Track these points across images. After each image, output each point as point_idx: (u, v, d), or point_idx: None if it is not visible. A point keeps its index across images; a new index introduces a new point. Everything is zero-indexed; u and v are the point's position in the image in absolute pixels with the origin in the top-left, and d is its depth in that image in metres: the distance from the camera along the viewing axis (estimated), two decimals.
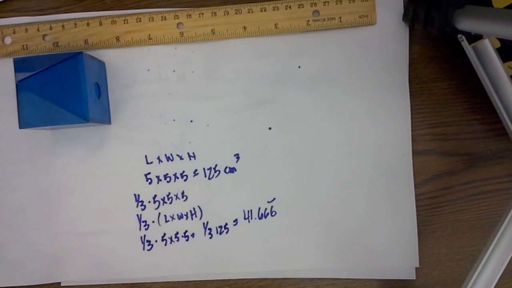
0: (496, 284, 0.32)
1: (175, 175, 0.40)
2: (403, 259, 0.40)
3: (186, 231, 0.40)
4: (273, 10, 0.39)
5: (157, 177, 0.40)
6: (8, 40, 0.40)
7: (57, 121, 0.36)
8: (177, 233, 0.40)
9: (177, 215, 0.40)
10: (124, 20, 0.40)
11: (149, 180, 0.40)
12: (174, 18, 0.40)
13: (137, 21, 0.40)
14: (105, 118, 0.40)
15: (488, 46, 0.34)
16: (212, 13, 0.40)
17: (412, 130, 0.40)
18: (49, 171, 0.41)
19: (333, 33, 0.40)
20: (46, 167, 0.41)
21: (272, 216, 0.40)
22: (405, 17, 0.38)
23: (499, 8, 0.36)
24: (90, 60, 0.38)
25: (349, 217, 0.40)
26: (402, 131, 0.40)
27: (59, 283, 0.41)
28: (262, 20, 0.39)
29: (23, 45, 0.40)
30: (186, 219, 0.40)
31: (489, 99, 0.35)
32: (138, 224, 0.41)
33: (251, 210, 0.40)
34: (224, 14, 0.40)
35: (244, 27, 0.40)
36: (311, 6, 0.39)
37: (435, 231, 0.40)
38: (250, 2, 0.40)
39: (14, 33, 0.40)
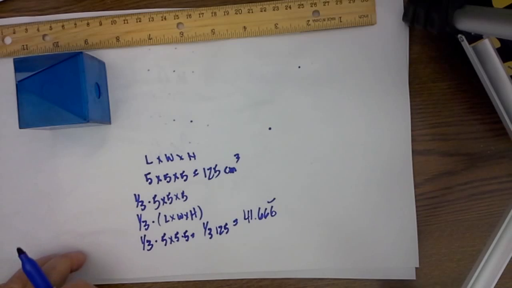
0: (496, 284, 0.32)
1: (175, 175, 0.40)
2: (403, 259, 0.40)
3: (186, 231, 0.40)
4: (273, 10, 0.39)
5: (157, 177, 0.40)
6: (8, 40, 0.40)
7: (57, 121, 0.36)
8: (177, 233, 0.40)
9: (177, 215, 0.40)
10: (124, 20, 0.40)
11: (149, 180, 0.40)
12: (174, 18, 0.40)
13: (137, 21, 0.40)
14: (105, 118, 0.40)
15: (488, 46, 0.34)
16: (212, 13, 0.40)
17: (412, 130, 0.40)
18: (49, 171, 0.41)
19: (333, 33, 0.40)
20: (46, 167, 0.41)
21: (272, 216, 0.40)
22: (405, 17, 0.38)
23: (499, 8, 0.36)
24: (90, 60, 0.38)
25: (349, 217, 0.40)
26: (402, 131, 0.40)
27: None
28: (262, 20, 0.39)
29: (23, 45, 0.40)
30: (186, 219, 0.40)
31: (489, 99, 0.35)
32: (138, 224, 0.41)
33: (251, 210, 0.40)
34: (224, 14, 0.40)
35: (244, 27, 0.40)
36: (311, 6, 0.39)
37: (435, 231, 0.40)
38: (250, 2, 0.40)
39: (14, 33, 0.40)
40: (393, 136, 0.40)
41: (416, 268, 0.40)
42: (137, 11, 0.40)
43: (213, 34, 0.40)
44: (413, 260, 0.40)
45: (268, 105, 0.40)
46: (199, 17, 0.40)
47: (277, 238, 0.40)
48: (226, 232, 0.40)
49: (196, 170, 0.40)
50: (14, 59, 0.36)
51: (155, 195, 0.40)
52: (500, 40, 0.37)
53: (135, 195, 0.41)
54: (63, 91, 0.36)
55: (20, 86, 0.36)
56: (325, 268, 0.40)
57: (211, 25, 0.40)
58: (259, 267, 0.40)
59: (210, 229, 0.40)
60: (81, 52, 0.36)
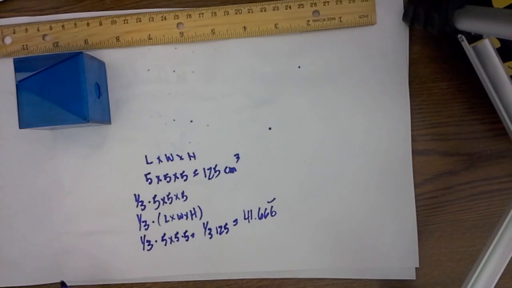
0: (496, 284, 0.32)
1: (175, 175, 0.40)
2: (403, 259, 0.40)
3: (186, 231, 0.40)
4: (273, 10, 0.39)
5: (157, 177, 0.40)
6: (8, 40, 0.40)
7: (57, 121, 0.36)
8: (177, 233, 0.40)
9: (177, 215, 0.40)
10: (124, 20, 0.40)
11: (149, 180, 0.41)
12: (174, 18, 0.40)
13: (137, 21, 0.40)
14: (105, 118, 0.40)
15: (488, 46, 0.34)
16: (212, 13, 0.40)
17: (412, 130, 0.40)
18: (49, 171, 0.41)
19: (333, 33, 0.40)
20: (46, 167, 0.41)
21: (272, 216, 0.40)
22: (405, 17, 0.38)
23: (499, 8, 0.36)
24: (90, 60, 0.38)
25: (349, 217, 0.40)
26: (402, 131, 0.40)
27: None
28: (262, 20, 0.39)
29: (23, 45, 0.40)
30: (186, 219, 0.40)
31: (489, 99, 0.35)
32: (138, 224, 0.41)
33: (251, 210, 0.40)
34: (224, 14, 0.40)
35: (244, 27, 0.40)
36: (311, 6, 0.39)
37: (435, 231, 0.40)
38: (250, 2, 0.40)
39: (14, 33, 0.40)
40: (393, 136, 0.40)
41: (416, 268, 0.40)
42: (137, 11, 0.40)
43: (213, 34, 0.40)
44: (413, 260, 0.40)
45: (268, 105, 0.40)
46: (199, 17, 0.40)
47: (277, 238, 0.40)
48: (226, 232, 0.40)
49: (196, 170, 0.40)
50: (14, 59, 0.36)
51: (155, 195, 0.41)
52: (500, 40, 0.37)
53: (135, 195, 0.41)
54: (63, 91, 0.36)
55: (20, 86, 0.36)
56: (325, 268, 0.40)
57: (211, 25, 0.40)
58: (259, 267, 0.40)
59: (210, 229, 0.40)
60: (81, 52, 0.36)
